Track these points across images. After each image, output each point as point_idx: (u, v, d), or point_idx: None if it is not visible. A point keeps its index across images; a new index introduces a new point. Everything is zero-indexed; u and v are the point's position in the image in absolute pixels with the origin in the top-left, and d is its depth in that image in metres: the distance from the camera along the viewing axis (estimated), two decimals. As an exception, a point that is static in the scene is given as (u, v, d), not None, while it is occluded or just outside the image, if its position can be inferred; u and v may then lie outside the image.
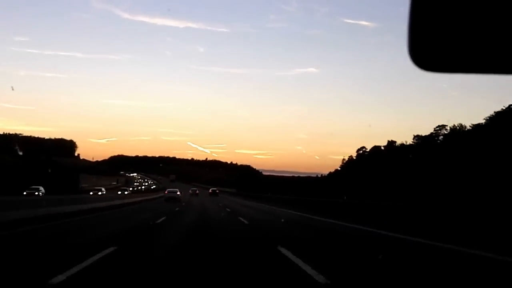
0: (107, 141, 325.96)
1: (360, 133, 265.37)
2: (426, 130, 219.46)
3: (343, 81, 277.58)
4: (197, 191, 71.23)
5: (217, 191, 75.23)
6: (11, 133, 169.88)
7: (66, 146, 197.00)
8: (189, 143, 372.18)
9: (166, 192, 49.69)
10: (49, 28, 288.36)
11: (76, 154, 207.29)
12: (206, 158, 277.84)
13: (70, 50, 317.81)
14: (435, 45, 1.25)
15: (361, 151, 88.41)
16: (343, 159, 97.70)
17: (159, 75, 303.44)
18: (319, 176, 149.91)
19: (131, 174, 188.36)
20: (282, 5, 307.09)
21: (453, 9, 1.23)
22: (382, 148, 78.09)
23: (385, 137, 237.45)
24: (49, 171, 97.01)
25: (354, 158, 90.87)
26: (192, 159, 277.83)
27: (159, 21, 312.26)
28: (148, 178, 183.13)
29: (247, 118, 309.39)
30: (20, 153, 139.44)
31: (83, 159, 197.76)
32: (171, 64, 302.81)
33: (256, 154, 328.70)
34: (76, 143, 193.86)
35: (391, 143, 75.09)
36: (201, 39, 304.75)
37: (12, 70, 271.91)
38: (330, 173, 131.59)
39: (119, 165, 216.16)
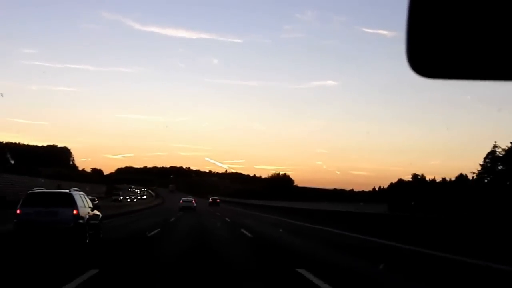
0: (123, 157, 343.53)
1: (383, 148, 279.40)
2: (462, 145, 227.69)
3: (363, 93, 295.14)
4: (194, 201, 59.03)
5: (218, 200, 79.27)
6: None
7: (60, 155, 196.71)
8: (207, 158, 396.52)
9: (181, 201, 56.92)
10: (59, 40, 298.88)
11: (71, 163, 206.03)
12: (226, 171, 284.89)
13: (80, 63, 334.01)
14: (434, 52, 1.38)
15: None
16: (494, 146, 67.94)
17: (173, 88, 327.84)
18: (377, 189, 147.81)
19: (133, 187, 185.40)
20: (297, 14, 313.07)
21: (452, 15, 1.35)
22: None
23: (412, 153, 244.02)
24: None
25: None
26: (210, 171, 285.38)
27: (171, 31, 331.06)
28: (146, 189, 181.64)
29: (265, 132, 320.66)
30: (12, 162, 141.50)
31: (83, 169, 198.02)
32: (184, 76, 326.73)
33: (275, 170, 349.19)
34: (92, 159, 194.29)
35: None
36: (214, 50, 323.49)
37: (22, 83, 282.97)
38: (391, 184, 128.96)
39: (123, 176, 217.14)
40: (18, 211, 13.93)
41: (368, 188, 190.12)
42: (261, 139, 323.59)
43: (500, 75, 1.37)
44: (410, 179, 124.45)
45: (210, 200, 78.32)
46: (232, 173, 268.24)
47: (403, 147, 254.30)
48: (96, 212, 16.52)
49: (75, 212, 13.99)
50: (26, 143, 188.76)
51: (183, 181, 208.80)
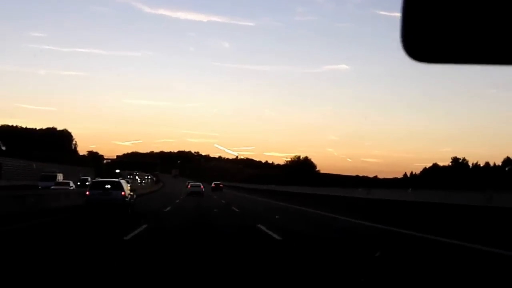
0: (132, 143, 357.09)
1: (395, 135, 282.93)
2: (476, 130, 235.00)
3: (377, 79, 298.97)
4: (202, 186, 64.21)
5: (221, 185, 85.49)
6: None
7: (59, 139, 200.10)
8: (216, 145, 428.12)
9: (189, 186, 64.84)
10: (67, 23, 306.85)
11: (74, 147, 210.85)
12: (237, 157, 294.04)
13: (89, 46, 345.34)
14: (428, 36, 1.47)
15: None
16: None
17: (183, 73, 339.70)
18: (409, 175, 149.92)
19: (136, 173, 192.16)
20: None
21: None
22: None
23: (428, 139, 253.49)
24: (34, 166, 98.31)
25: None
26: (220, 157, 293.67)
27: (181, 15, 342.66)
28: (150, 176, 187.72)
29: (275, 118, 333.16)
30: (4, 148, 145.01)
31: (83, 155, 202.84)
32: (195, 61, 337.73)
33: (285, 157, 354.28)
34: (99, 145, 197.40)
35: None
36: (225, 34, 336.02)
37: (29, 68, 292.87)
38: (425, 169, 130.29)
39: (127, 161, 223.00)
40: (87, 193, 23.54)
41: (383, 175, 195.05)
42: (271, 125, 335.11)
43: (497, 59, 1.47)
44: (450, 164, 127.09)
45: (213, 185, 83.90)
46: (243, 159, 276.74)
47: (415, 134, 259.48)
48: (133, 194, 26.14)
49: (123, 193, 23.56)
50: (24, 126, 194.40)
51: (190, 167, 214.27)
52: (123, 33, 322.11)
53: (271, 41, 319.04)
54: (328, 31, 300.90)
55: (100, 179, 26.52)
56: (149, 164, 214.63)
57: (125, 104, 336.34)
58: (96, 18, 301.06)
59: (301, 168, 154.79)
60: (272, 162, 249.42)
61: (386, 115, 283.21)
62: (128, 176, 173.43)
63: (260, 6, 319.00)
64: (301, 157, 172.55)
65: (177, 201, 42.19)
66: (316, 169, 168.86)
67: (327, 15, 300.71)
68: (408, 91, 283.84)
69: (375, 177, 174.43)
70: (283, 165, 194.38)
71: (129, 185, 28.16)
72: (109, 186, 24.20)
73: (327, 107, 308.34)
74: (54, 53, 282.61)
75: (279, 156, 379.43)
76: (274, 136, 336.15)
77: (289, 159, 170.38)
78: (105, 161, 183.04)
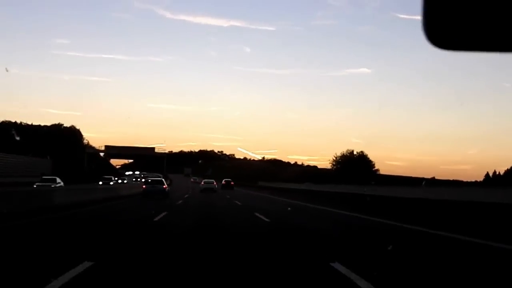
0: (155, 146, 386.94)
1: (419, 137, 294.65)
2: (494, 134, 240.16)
3: (398, 82, 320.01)
4: (215, 183, 74.44)
5: (232, 183, 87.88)
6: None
7: (67, 136, 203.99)
8: (239, 148, 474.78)
9: (202, 183, 74.89)
10: (90, 30, 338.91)
11: (86, 143, 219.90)
12: (263, 158, 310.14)
13: (112, 52, 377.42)
14: (451, 22, 1.66)
15: None
16: None
17: (204, 77, 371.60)
18: (490, 175, 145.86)
19: (145, 173, 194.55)
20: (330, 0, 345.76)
21: None
22: None
23: (453, 143, 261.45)
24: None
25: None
26: (245, 158, 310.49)
27: (202, 20, 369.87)
28: (152, 175, 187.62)
29: (298, 121, 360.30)
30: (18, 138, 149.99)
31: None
32: (216, 65, 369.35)
33: (309, 160, 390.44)
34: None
35: None
36: (246, 39, 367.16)
37: (53, 74, 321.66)
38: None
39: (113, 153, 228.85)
40: (143, 186, 41.09)
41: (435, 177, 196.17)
42: (293, 129, 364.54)
43: None
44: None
45: (223, 182, 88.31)
46: (271, 160, 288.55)
47: (439, 136, 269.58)
48: (168, 186, 44.05)
49: (164, 187, 40.23)
50: (30, 123, 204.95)
51: (214, 166, 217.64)
52: (145, 39, 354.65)
53: (291, 45, 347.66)
54: (348, 35, 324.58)
55: (150, 179, 45.21)
56: (150, 158, 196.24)
57: (148, 108, 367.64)
58: (119, 25, 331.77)
59: (357, 165, 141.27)
60: (302, 163, 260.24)
61: (409, 117, 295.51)
62: (125, 174, 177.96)
63: (280, 11, 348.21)
64: (354, 152, 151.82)
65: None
66: (374, 168, 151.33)
67: (346, 19, 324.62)
68: (431, 92, 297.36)
69: (433, 178, 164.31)
70: (311, 166, 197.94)
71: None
72: (155, 182, 43.74)
73: (349, 109, 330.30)
74: (78, 59, 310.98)
75: (302, 158, 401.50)
76: (297, 139, 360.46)
77: (338, 155, 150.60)
78: (102, 154, 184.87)
